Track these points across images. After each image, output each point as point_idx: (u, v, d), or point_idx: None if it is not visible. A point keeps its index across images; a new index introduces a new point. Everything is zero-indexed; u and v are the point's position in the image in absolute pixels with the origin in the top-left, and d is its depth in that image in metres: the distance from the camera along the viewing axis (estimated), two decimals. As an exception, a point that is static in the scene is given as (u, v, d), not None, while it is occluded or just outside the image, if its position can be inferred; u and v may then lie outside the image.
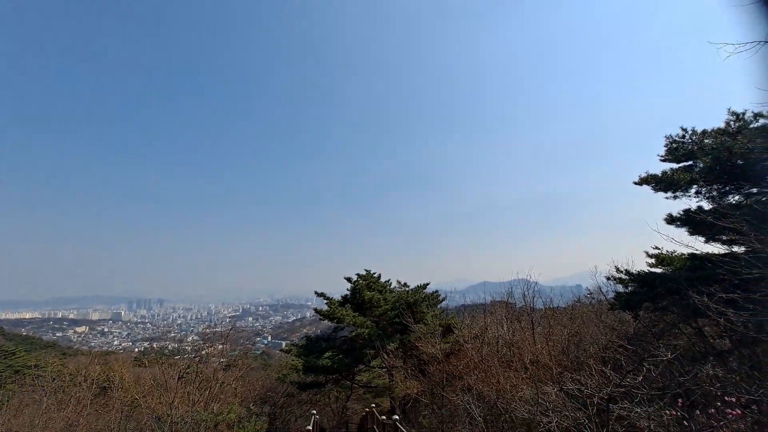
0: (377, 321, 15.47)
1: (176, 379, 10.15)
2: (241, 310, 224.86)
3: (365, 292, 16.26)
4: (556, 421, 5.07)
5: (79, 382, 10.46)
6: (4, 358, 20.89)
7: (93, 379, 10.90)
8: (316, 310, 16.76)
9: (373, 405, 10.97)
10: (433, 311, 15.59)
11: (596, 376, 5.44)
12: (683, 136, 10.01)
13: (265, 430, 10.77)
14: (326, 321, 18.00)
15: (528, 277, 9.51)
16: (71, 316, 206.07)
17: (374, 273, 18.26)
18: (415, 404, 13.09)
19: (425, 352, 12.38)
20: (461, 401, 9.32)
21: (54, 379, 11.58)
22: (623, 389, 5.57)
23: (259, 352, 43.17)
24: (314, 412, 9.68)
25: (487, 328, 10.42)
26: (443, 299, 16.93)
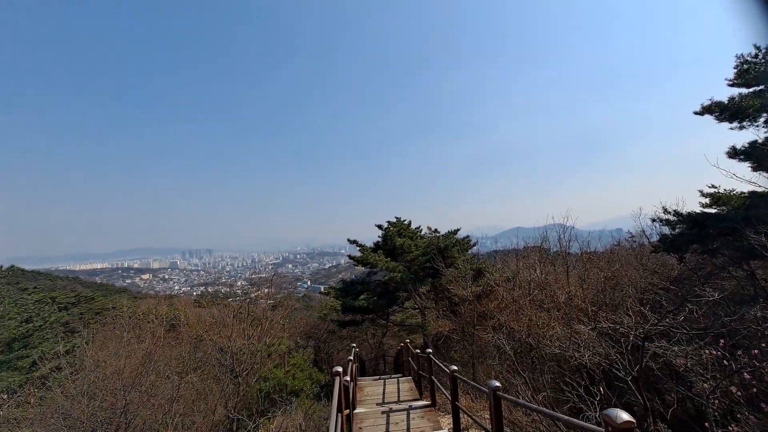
0: (409, 265, 16.01)
1: (232, 317, 11.41)
2: (281, 258, 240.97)
3: (396, 238, 16.65)
4: (588, 356, 5.20)
5: (152, 320, 12.05)
6: (86, 303, 24.22)
7: (163, 317, 12.53)
8: (350, 256, 17.56)
9: (408, 340, 11.79)
10: (464, 256, 15.81)
11: (633, 315, 5.40)
12: (756, 56, 8.57)
13: (311, 360, 12.11)
14: (360, 267, 18.89)
15: (564, 221, 9.17)
16: (135, 265, 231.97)
17: (404, 220, 18.50)
18: (447, 341, 13.91)
19: (456, 294, 12.82)
20: (492, 338, 9.78)
21: (130, 317, 13.44)
22: (662, 328, 5.54)
23: (300, 295, 46.81)
24: (354, 345, 10.60)
25: (519, 272, 10.47)
26: (474, 244, 17.05)
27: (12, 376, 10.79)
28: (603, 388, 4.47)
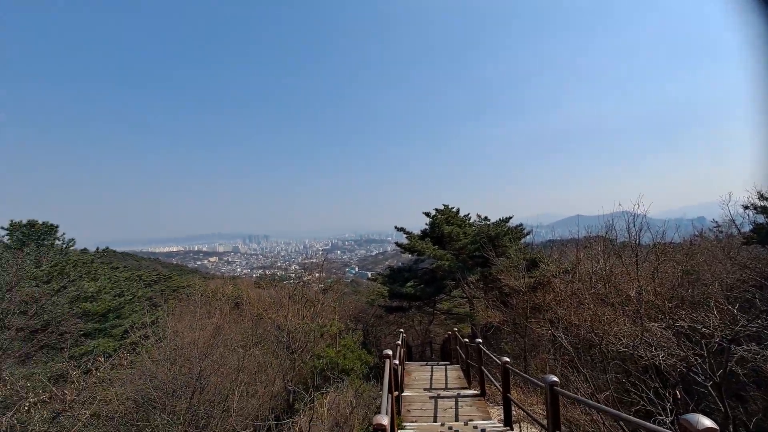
0: (457, 254, 15.72)
1: (288, 299, 12.20)
2: (330, 245, 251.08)
3: (444, 226, 16.39)
4: (663, 357, 4.71)
5: (219, 298, 13.34)
6: (165, 281, 27.42)
7: (228, 296, 13.84)
8: (397, 243, 17.68)
9: (456, 329, 11.68)
10: (517, 245, 15.12)
11: (717, 314, 4.77)
12: None
13: (360, 342, 12.57)
14: (407, 254, 18.95)
15: (635, 208, 8.20)
16: (204, 249, 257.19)
17: (452, 208, 18.11)
18: (497, 332, 13.54)
19: (507, 285, 12.34)
20: (546, 331, 9.30)
21: (201, 295, 15.00)
22: (753, 330, 4.84)
23: (349, 280, 48.44)
24: (402, 330, 10.77)
25: (579, 263, 9.76)
26: (528, 233, 16.19)
27: (108, 342, 12.65)
28: (679, 391, 4.04)
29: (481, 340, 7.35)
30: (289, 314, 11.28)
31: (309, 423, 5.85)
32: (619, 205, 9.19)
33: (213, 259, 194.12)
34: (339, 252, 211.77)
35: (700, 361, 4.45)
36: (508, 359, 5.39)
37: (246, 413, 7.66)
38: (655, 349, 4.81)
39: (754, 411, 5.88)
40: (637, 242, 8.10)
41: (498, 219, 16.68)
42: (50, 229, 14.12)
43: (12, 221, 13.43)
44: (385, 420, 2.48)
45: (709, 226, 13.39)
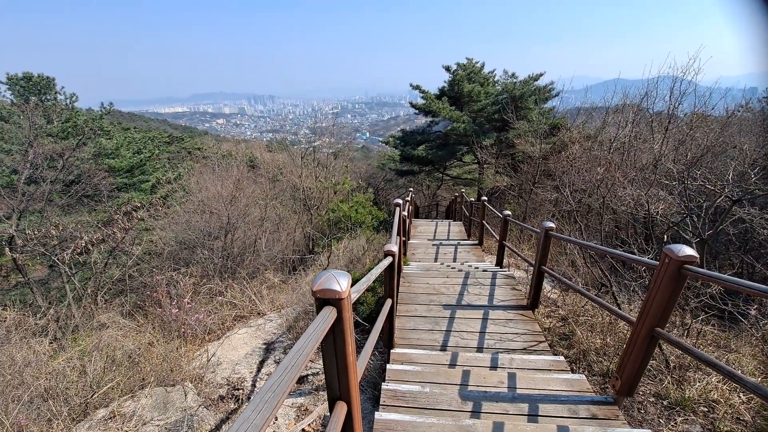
0: (474, 116, 14.97)
1: (300, 160, 12.46)
2: (339, 108, 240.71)
3: (465, 84, 15.07)
4: (662, 209, 4.91)
5: (235, 157, 13.69)
6: (177, 143, 27.58)
7: (243, 156, 14.19)
8: (411, 104, 16.69)
9: (463, 190, 12.19)
10: (541, 108, 14.12)
11: (733, 174, 4.72)
12: None
13: (371, 200, 13.41)
14: (420, 119, 18.13)
15: (690, 64, 6.98)
16: (210, 110, 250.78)
17: (476, 62, 16.24)
18: (501, 196, 14.11)
19: (522, 151, 12.14)
20: (551, 195, 9.63)
21: (216, 154, 15.38)
22: (761, 194, 4.88)
23: (359, 146, 48.31)
24: (411, 189, 11.29)
25: (603, 128, 9.26)
26: (556, 95, 14.81)
27: (140, 195, 13.70)
28: (668, 236, 4.39)
29: (486, 199, 7.73)
30: (303, 174, 11.73)
31: (328, 258, 6.82)
32: (670, 66, 7.90)
33: (221, 121, 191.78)
34: (349, 116, 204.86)
35: (695, 218, 4.66)
36: (509, 213, 5.77)
37: (273, 254, 8.89)
38: (653, 206, 4.99)
39: (726, 270, 6.51)
40: (675, 107, 7.38)
41: (526, 76, 15.03)
42: (48, 83, 13.43)
43: (9, 74, 12.64)
44: (394, 248, 2.80)
45: (759, 97, 11.92)
